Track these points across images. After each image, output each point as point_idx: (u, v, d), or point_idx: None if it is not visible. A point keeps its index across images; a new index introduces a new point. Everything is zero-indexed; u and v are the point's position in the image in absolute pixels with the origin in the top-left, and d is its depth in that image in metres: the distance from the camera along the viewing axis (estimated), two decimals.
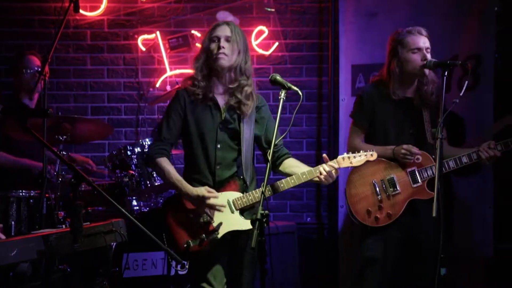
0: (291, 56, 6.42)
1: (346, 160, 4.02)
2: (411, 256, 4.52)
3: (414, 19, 5.02)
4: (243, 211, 4.06)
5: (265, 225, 3.50)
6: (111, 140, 6.25)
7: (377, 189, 4.45)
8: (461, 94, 4.08)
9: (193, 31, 6.26)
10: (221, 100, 4.14)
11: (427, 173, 4.39)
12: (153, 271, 5.21)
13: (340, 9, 6.13)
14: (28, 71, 5.45)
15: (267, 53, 6.36)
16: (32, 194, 4.76)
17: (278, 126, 3.77)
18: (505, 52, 6.00)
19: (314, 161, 6.34)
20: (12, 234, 4.57)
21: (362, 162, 4.03)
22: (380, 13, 5.97)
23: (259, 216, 3.46)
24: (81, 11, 5.82)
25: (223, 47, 4.05)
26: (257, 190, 4.07)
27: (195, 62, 4.16)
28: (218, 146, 4.10)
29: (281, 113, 3.76)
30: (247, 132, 4.14)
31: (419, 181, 4.42)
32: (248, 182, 4.11)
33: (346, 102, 6.03)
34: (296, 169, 4.13)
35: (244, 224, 4.01)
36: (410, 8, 5.84)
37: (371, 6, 6.02)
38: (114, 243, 4.48)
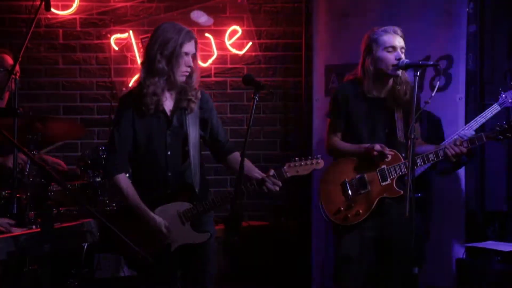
0: (264, 56, 6.42)
1: (292, 168, 4.05)
2: (384, 255, 4.54)
3: (386, 19, 5.04)
4: (194, 223, 4.02)
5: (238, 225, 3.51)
6: (84, 140, 6.20)
7: (348, 188, 4.46)
8: (432, 95, 4.11)
9: None
10: (168, 105, 4.06)
11: (396, 171, 4.41)
12: (125, 272, 5.18)
13: (313, 9, 6.15)
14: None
15: (240, 53, 6.37)
16: (2, 194, 4.71)
17: (250, 126, 3.76)
18: (476, 52, 6.05)
19: (288, 161, 6.33)
20: None
21: (309, 171, 4.07)
22: (352, 14, 5.99)
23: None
24: (52, 9, 5.79)
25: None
26: (209, 200, 4.03)
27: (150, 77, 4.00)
28: (169, 153, 4.04)
29: (254, 113, 3.76)
30: (193, 134, 4.08)
31: (388, 179, 4.44)
32: (197, 189, 4.06)
33: (319, 102, 6.04)
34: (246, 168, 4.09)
35: (196, 237, 4.00)
36: (382, 9, 5.85)
37: (344, 7, 6.03)
38: (86, 244, 4.46)
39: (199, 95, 4.09)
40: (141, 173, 4.09)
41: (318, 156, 4.09)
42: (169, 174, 4.03)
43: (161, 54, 3.95)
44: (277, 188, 4.00)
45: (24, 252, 3.43)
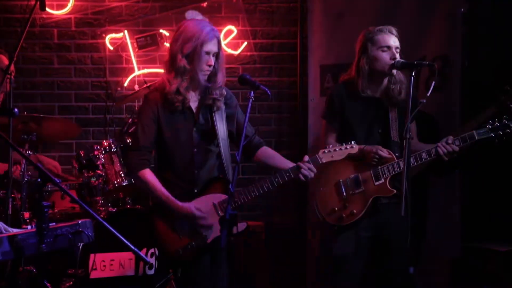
0: (260, 56, 6.42)
1: (327, 154, 4.04)
2: (380, 255, 4.54)
3: (381, 19, 5.04)
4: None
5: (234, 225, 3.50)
6: (79, 139, 6.19)
7: (342, 188, 4.47)
8: (428, 95, 4.11)
9: (161, 30, 6.23)
10: (193, 102, 4.08)
11: (389, 171, 4.41)
12: (121, 272, 5.17)
13: (308, 9, 6.15)
14: None
15: (236, 52, 6.36)
16: None
17: (246, 125, 3.75)
18: (472, 52, 6.06)
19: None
20: None
21: (343, 156, 4.05)
22: (347, 14, 6.00)
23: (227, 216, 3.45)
24: (47, 9, 5.77)
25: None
26: (243, 190, 4.02)
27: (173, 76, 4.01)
28: (195, 150, 4.03)
29: (250, 113, 3.75)
30: (221, 130, 4.08)
31: (381, 178, 4.44)
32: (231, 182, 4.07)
33: (315, 102, 6.05)
34: (273, 160, 4.17)
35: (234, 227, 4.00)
36: (377, 9, 5.87)
37: (339, 7, 6.05)
38: (81, 244, 4.44)
39: (223, 92, 4.10)
40: (166, 170, 4.07)
41: (352, 141, 4.08)
42: (196, 172, 4.03)
43: (182, 52, 3.96)
44: (312, 174, 4.00)
45: (20, 252, 3.41)
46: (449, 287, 5.79)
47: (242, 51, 6.37)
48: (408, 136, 4.01)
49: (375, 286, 4.77)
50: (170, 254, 3.96)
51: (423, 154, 4.39)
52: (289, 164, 4.09)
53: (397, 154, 4.41)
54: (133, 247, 3.55)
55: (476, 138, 4.36)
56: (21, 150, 4.28)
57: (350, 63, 4.65)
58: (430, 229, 5.48)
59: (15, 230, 3.45)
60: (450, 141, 4.37)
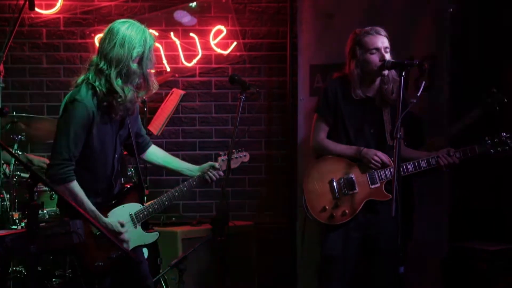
0: (249, 55, 6.42)
1: (225, 162, 4.16)
2: (369, 255, 4.55)
3: (370, 19, 5.05)
4: (144, 224, 4.05)
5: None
6: None
7: (335, 187, 4.46)
8: (418, 94, 4.13)
9: (151, 30, 6.17)
10: None
11: (386, 175, 4.42)
12: None
13: (298, 9, 6.15)
14: None
15: (225, 52, 6.36)
16: None
17: (237, 126, 3.76)
18: (459, 52, 6.08)
19: (273, 160, 6.36)
20: None
21: (237, 165, 4.27)
22: (336, 14, 6.00)
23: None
24: (36, 9, 5.73)
25: None
26: (156, 200, 4.06)
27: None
28: (116, 156, 4.00)
29: (240, 113, 3.76)
30: (134, 135, 4.09)
31: (377, 182, 4.44)
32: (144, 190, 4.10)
33: (304, 102, 6.05)
34: (168, 159, 4.25)
35: (147, 238, 4.04)
36: (366, 9, 5.87)
37: (328, 7, 6.05)
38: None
39: None
40: (86, 179, 3.93)
41: (245, 152, 4.34)
42: (113, 178, 4.02)
43: None
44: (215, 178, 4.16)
45: (9, 253, 3.40)
46: (437, 287, 5.81)
47: (232, 51, 6.37)
48: (398, 136, 4.02)
49: (364, 285, 4.78)
50: (91, 267, 3.87)
51: (422, 163, 4.42)
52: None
53: (392, 159, 4.40)
54: (122, 246, 3.54)
55: (477, 152, 4.45)
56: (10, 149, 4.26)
57: (340, 63, 4.65)
58: (417, 229, 5.49)
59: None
60: (451, 153, 4.42)
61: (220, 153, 4.22)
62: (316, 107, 4.66)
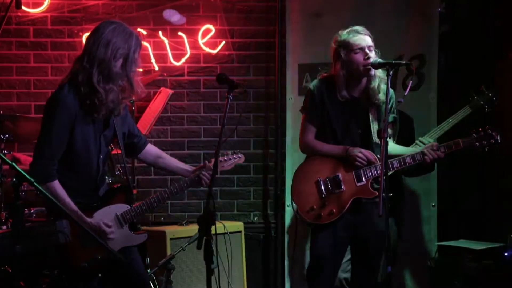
0: (238, 55, 6.41)
1: (219, 164, 4.12)
2: (358, 254, 4.55)
3: (358, 19, 5.04)
4: (132, 224, 4.02)
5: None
6: None
7: (322, 187, 4.45)
8: (405, 94, 4.13)
9: (139, 29, 6.19)
10: None
11: (372, 172, 4.42)
12: None
13: (286, 8, 6.15)
14: None
15: (214, 51, 6.34)
16: None
17: (224, 125, 3.75)
18: (448, 52, 6.10)
19: (261, 160, 6.36)
20: None
21: (231, 166, 4.26)
22: (325, 13, 6.01)
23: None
24: (23, 7, 5.70)
25: None
26: (144, 201, 4.04)
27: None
28: (101, 157, 3.97)
29: (228, 112, 3.75)
30: (121, 136, 4.06)
31: (363, 180, 4.44)
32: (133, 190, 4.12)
33: (293, 101, 6.06)
34: (165, 161, 4.23)
35: (135, 239, 4.01)
36: (355, 8, 5.88)
37: (317, 6, 6.05)
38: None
39: None
40: (69, 179, 3.91)
41: (240, 153, 4.31)
42: (98, 178, 3.99)
43: None
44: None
45: None
46: (425, 287, 5.82)
47: (220, 50, 6.35)
48: (386, 135, 4.02)
49: (353, 285, 4.78)
50: (76, 269, 3.84)
51: (407, 159, 4.41)
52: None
53: (378, 156, 4.40)
54: (109, 247, 3.53)
55: (462, 146, 4.40)
56: None
57: (328, 62, 4.64)
58: (406, 229, 5.50)
59: None
60: (435, 148, 4.40)
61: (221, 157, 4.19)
62: (302, 108, 4.66)
